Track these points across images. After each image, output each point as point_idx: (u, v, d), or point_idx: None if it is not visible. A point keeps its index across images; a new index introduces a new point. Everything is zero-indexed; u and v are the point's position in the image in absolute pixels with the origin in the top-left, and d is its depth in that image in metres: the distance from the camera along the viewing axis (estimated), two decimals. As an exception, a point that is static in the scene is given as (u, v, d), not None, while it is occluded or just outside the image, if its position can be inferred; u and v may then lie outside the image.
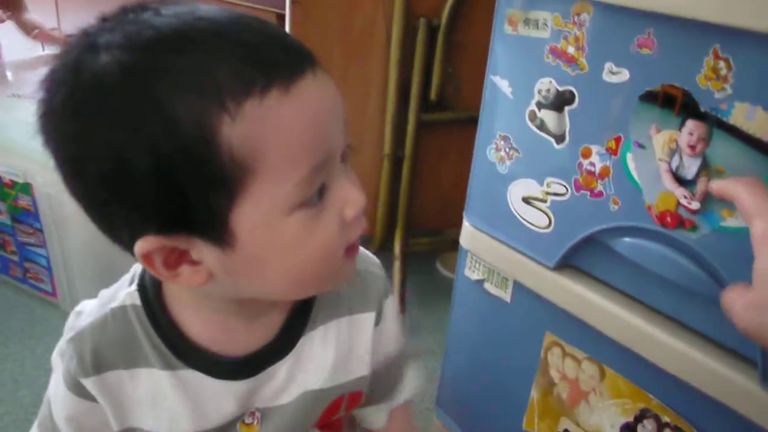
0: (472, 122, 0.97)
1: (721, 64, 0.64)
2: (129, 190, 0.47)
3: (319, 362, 0.66)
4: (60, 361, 0.61)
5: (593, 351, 0.88)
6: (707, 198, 0.69)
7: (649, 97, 0.71)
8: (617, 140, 0.75)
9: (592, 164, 0.78)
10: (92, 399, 0.60)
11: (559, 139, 0.81)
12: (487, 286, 1.01)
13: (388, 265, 1.63)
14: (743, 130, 0.64)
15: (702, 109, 0.67)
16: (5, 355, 1.48)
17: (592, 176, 0.79)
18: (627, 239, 0.78)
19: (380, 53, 1.45)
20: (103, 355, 0.59)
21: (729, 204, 0.67)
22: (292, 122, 0.48)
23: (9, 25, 2.02)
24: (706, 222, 0.70)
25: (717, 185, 0.58)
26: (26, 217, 1.57)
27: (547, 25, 0.79)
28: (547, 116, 0.82)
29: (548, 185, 0.85)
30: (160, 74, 0.45)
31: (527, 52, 0.83)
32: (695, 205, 0.70)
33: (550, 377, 0.95)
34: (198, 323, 0.61)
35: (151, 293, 0.61)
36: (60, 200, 1.46)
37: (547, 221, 0.87)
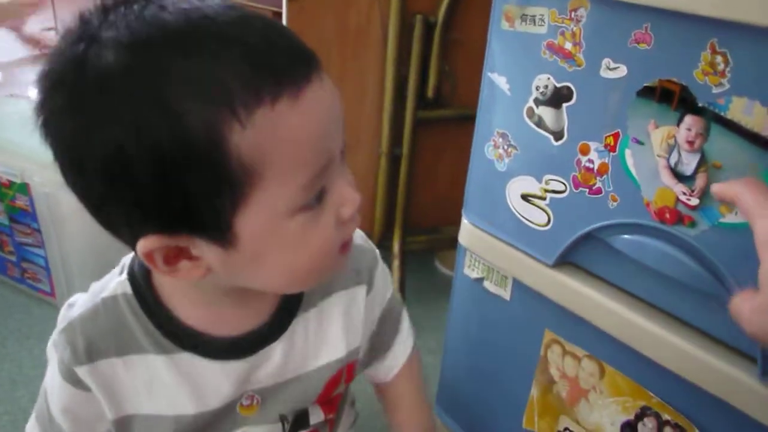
0: (470, 119, 0.97)
1: (719, 58, 0.64)
2: (131, 191, 0.47)
3: (315, 341, 0.68)
4: (54, 352, 0.62)
5: (593, 348, 0.88)
6: (706, 194, 0.69)
7: (646, 93, 0.71)
8: (615, 136, 0.75)
9: (591, 161, 0.78)
10: (86, 389, 0.61)
11: (558, 135, 0.81)
12: (486, 284, 1.01)
13: (386, 264, 1.62)
14: (741, 124, 0.64)
15: (700, 104, 0.66)
16: (3, 355, 1.48)
17: (590, 173, 0.79)
18: (626, 236, 0.78)
19: (377, 50, 1.45)
20: (95, 343, 0.60)
21: (721, 201, 0.67)
22: (299, 130, 0.48)
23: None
24: (705, 218, 0.70)
25: (718, 187, 0.57)
26: (24, 217, 1.56)
27: (543, 21, 0.79)
28: (545, 113, 0.82)
29: (547, 182, 0.84)
30: (167, 78, 0.45)
31: (524, 49, 0.82)
32: (694, 201, 0.70)
33: (549, 375, 0.95)
34: (190, 307, 0.61)
35: (141, 281, 0.62)
36: (58, 200, 1.46)
37: (546, 219, 0.86)
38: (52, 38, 1.95)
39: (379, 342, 0.77)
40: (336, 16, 1.38)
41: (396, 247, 1.62)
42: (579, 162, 0.79)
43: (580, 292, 0.85)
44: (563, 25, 0.77)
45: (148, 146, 0.45)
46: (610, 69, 0.73)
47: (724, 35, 0.63)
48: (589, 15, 0.74)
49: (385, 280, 0.77)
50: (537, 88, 0.82)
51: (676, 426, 0.79)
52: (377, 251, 0.75)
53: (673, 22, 0.67)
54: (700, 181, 0.69)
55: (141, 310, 0.61)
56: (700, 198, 0.69)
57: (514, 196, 0.90)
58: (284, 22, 1.33)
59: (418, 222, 1.67)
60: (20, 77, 2.02)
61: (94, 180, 0.48)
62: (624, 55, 0.72)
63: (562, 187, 0.83)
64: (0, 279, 1.74)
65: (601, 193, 0.78)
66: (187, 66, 0.45)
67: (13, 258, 1.66)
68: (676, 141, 0.69)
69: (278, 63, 0.47)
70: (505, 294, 0.98)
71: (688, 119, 0.68)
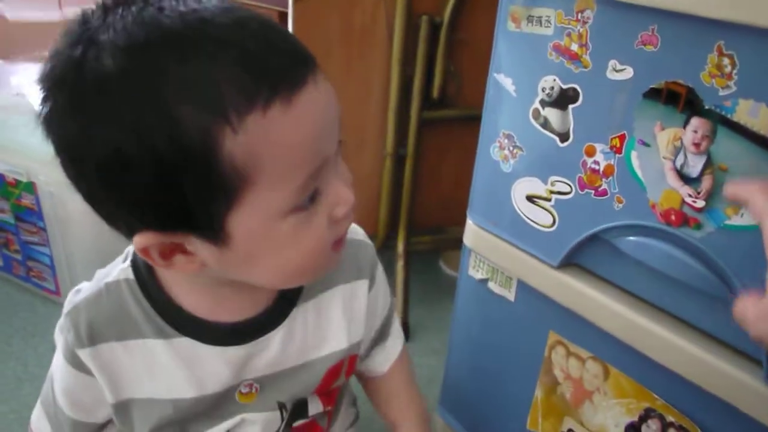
0: (475, 120, 0.97)
1: (726, 60, 0.64)
2: (128, 190, 0.49)
3: (315, 332, 0.69)
4: (59, 335, 0.64)
5: (597, 350, 0.88)
6: (712, 196, 0.68)
7: (653, 95, 0.71)
8: (621, 138, 0.75)
9: (597, 162, 0.78)
10: (88, 372, 0.63)
11: (563, 137, 0.81)
12: (490, 285, 1.01)
13: (391, 264, 1.63)
14: (747, 127, 0.64)
15: (706, 107, 0.66)
16: (8, 353, 1.48)
17: (596, 174, 0.79)
18: (631, 238, 0.78)
19: (382, 51, 1.45)
20: (97, 327, 0.62)
21: (734, 202, 0.67)
22: (292, 135, 0.49)
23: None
24: (710, 220, 0.70)
25: (731, 188, 0.57)
26: (29, 215, 1.57)
27: (550, 22, 0.79)
28: (551, 114, 0.82)
29: (552, 184, 0.84)
30: (163, 81, 0.45)
31: (530, 50, 0.82)
32: (700, 203, 0.70)
33: (554, 376, 0.95)
34: (190, 294, 0.62)
35: (143, 268, 0.63)
36: (63, 199, 1.46)
37: (551, 220, 0.86)
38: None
39: (377, 334, 0.78)
40: (342, 17, 1.38)
41: (400, 247, 1.62)
42: (585, 163, 0.79)
43: (585, 293, 0.85)
44: (570, 26, 0.77)
45: (145, 148, 0.46)
46: (617, 70, 0.73)
47: (731, 37, 0.63)
48: (595, 16, 0.74)
49: (385, 278, 0.78)
50: (543, 90, 0.82)
51: (680, 428, 0.79)
52: (374, 249, 0.76)
53: (679, 24, 0.66)
54: (706, 184, 0.68)
55: (142, 296, 0.62)
56: (706, 200, 0.69)
57: (520, 197, 0.90)
58: (290, 22, 1.34)
59: (422, 222, 1.67)
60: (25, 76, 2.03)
61: (92, 177, 0.49)
62: (630, 56, 0.72)
63: (568, 189, 0.83)
64: (5, 277, 1.74)
65: (606, 194, 0.78)
66: (183, 70, 0.46)
67: (19, 257, 1.67)
68: (682, 143, 0.69)
69: (273, 67, 0.48)
70: (510, 295, 0.98)
71: (695, 121, 0.68)
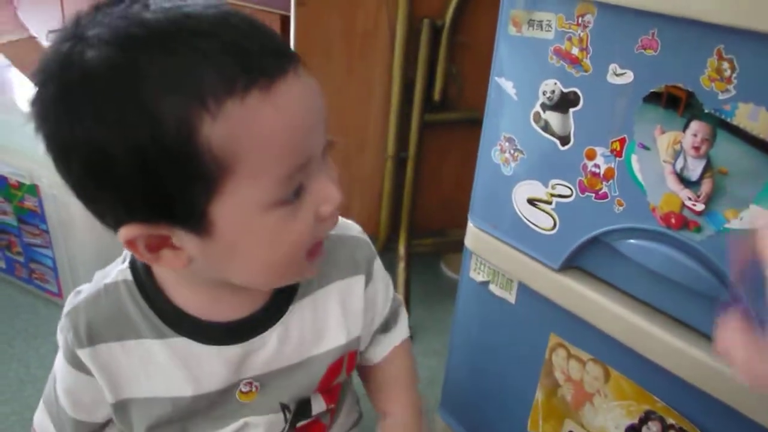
0: (476, 123, 0.97)
1: (725, 65, 0.64)
2: (111, 182, 0.49)
3: (313, 329, 0.69)
4: (60, 335, 0.65)
5: (598, 352, 0.88)
6: (712, 199, 0.69)
7: (653, 99, 0.71)
8: (622, 142, 0.75)
9: (597, 166, 0.78)
10: (88, 372, 0.63)
11: (564, 140, 0.81)
12: (491, 287, 1.01)
13: (392, 266, 1.63)
14: (747, 130, 0.64)
15: (706, 110, 0.67)
16: (10, 355, 1.48)
17: (596, 178, 0.79)
18: (632, 240, 0.78)
19: (384, 54, 1.45)
20: (96, 327, 0.62)
21: (733, 205, 0.67)
22: (271, 124, 0.49)
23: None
24: (710, 223, 0.70)
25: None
26: (32, 218, 1.57)
27: (551, 27, 0.79)
28: (552, 118, 0.82)
29: (553, 187, 0.85)
30: (144, 73, 0.46)
31: (531, 54, 0.83)
32: (700, 206, 0.70)
33: (554, 378, 0.95)
34: (187, 294, 0.63)
35: (141, 269, 0.64)
36: (66, 201, 1.46)
37: (552, 223, 0.87)
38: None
39: (380, 328, 0.79)
40: (344, 20, 1.38)
41: (402, 249, 1.63)
42: (585, 167, 0.80)
43: (586, 296, 0.85)
44: (570, 30, 0.77)
45: (125, 140, 0.47)
46: (617, 74, 0.74)
47: (731, 42, 0.63)
48: (596, 21, 0.74)
49: (384, 274, 0.77)
50: (544, 93, 0.82)
51: (680, 430, 0.80)
52: (372, 245, 0.76)
53: (679, 29, 0.67)
54: (705, 187, 0.69)
55: (140, 296, 0.63)
56: (706, 203, 0.69)
57: (521, 200, 0.90)
58: (292, 25, 1.34)
59: (423, 224, 1.67)
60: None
61: (77, 170, 0.50)
62: (631, 60, 0.72)
63: (569, 192, 0.83)
64: (8, 279, 1.75)
65: (607, 197, 0.79)
66: (164, 62, 0.47)
67: (21, 259, 1.67)
68: (682, 146, 0.70)
69: (251, 56, 0.49)
70: (511, 297, 0.99)
71: (694, 125, 0.68)
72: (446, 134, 1.58)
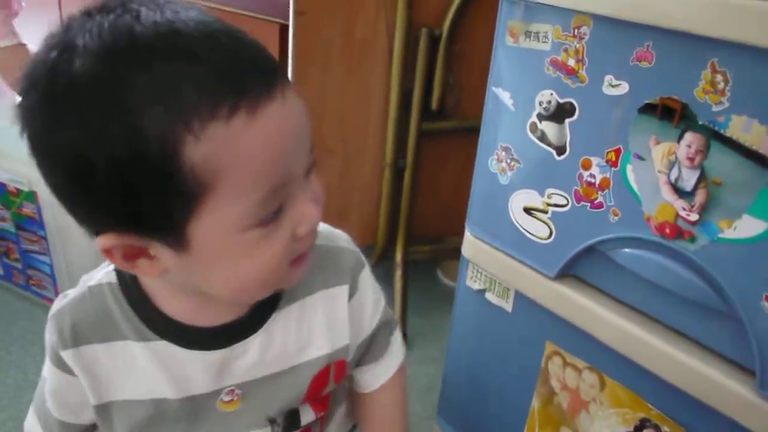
0: (473, 131, 0.98)
1: (719, 77, 0.65)
2: (91, 191, 0.49)
3: (296, 338, 0.68)
4: (46, 337, 0.65)
5: (594, 360, 0.89)
6: (706, 209, 0.70)
7: (648, 110, 0.72)
8: (617, 152, 0.76)
9: (593, 176, 0.79)
10: (72, 373, 0.63)
11: (560, 150, 0.82)
12: (488, 295, 1.02)
13: (389, 274, 1.64)
14: (740, 142, 0.65)
15: (700, 122, 0.68)
16: (8, 361, 1.49)
17: (592, 187, 0.80)
18: (627, 250, 0.79)
19: (382, 63, 1.46)
20: (80, 329, 0.62)
21: (727, 215, 0.68)
22: (255, 147, 0.49)
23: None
24: (704, 233, 0.71)
25: None
26: (30, 224, 1.58)
27: (547, 38, 0.80)
28: (548, 128, 0.83)
29: (549, 196, 0.86)
30: (128, 88, 0.46)
31: (528, 64, 0.84)
32: (694, 216, 0.71)
33: (550, 386, 0.95)
34: (171, 299, 0.63)
35: (126, 272, 0.63)
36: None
37: (548, 232, 0.87)
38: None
39: (371, 350, 0.78)
40: (342, 29, 1.39)
41: (399, 256, 1.63)
42: (581, 176, 0.81)
43: (582, 304, 0.86)
44: (567, 42, 0.78)
45: (106, 153, 0.47)
46: (612, 86, 0.74)
47: (724, 55, 0.64)
48: (592, 33, 0.75)
49: (374, 286, 0.76)
50: (540, 104, 0.83)
51: (675, 438, 0.80)
52: (362, 257, 0.75)
53: (674, 41, 0.68)
54: (699, 197, 0.70)
55: (124, 299, 0.63)
56: (700, 213, 0.70)
57: (517, 209, 0.91)
58: (291, 34, 1.35)
59: (421, 232, 1.68)
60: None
61: (59, 175, 0.50)
62: (626, 72, 0.73)
63: (564, 201, 0.84)
64: (5, 286, 1.75)
65: (602, 207, 0.79)
66: (149, 77, 0.46)
67: (19, 265, 1.67)
68: (676, 157, 0.71)
69: (238, 78, 0.48)
70: (507, 306, 0.99)
71: (689, 136, 0.69)
72: (444, 143, 1.58)
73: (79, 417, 0.67)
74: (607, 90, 0.75)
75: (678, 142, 0.70)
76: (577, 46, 0.77)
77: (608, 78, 0.75)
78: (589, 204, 0.81)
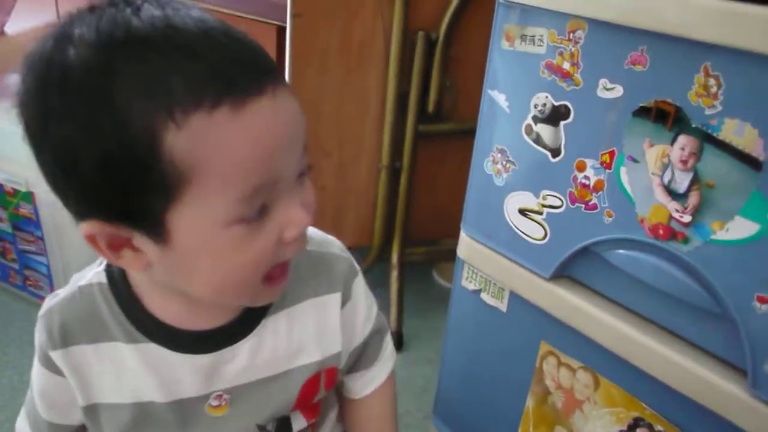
0: (469, 134, 0.99)
1: (712, 81, 0.66)
2: (75, 177, 0.50)
3: (286, 344, 0.68)
4: (35, 337, 0.65)
5: (588, 360, 0.89)
6: (699, 211, 0.71)
7: (642, 113, 0.73)
8: (611, 154, 0.77)
9: (587, 177, 0.80)
10: (60, 374, 0.63)
11: (555, 152, 0.83)
12: (483, 296, 1.02)
13: (385, 275, 1.64)
14: (733, 145, 0.66)
15: (693, 125, 0.69)
16: (4, 362, 1.49)
17: (586, 189, 0.81)
18: (621, 251, 0.80)
19: (379, 65, 1.47)
20: (69, 329, 0.62)
21: (719, 217, 0.69)
22: (238, 141, 0.49)
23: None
24: (697, 234, 0.72)
25: None
26: (27, 225, 1.58)
27: (543, 41, 0.81)
28: (543, 130, 0.84)
29: (544, 198, 0.86)
30: (117, 77, 0.47)
31: (524, 67, 0.84)
32: (687, 218, 0.72)
33: (545, 386, 0.96)
34: (160, 301, 0.62)
35: (117, 273, 0.63)
36: (61, 208, 1.47)
37: (543, 233, 0.88)
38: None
39: (363, 357, 0.77)
40: (340, 32, 1.40)
41: (395, 258, 1.64)
42: (575, 178, 0.81)
43: (576, 305, 0.87)
44: (562, 45, 0.79)
45: (92, 140, 0.47)
46: (607, 89, 0.75)
47: (717, 59, 0.65)
48: (587, 36, 0.76)
49: (367, 293, 0.75)
50: (535, 106, 0.84)
51: (668, 437, 0.81)
52: (355, 264, 0.74)
53: (668, 45, 0.69)
54: (692, 199, 0.71)
55: (114, 300, 0.63)
56: (693, 215, 0.71)
57: (512, 210, 0.92)
58: (288, 36, 1.35)
59: (417, 234, 1.69)
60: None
61: (48, 159, 0.51)
62: (620, 75, 0.74)
63: (559, 203, 0.85)
64: (2, 286, 1.75)
65: (596, 208, 0.80)
66: (138, 68, 0.47)
67: (16, 266, 1.68)
68: (670, 160, 0.71)
69: (228, 73, 0.49)
70: (502, 306, 1.00)
71: (682, 139, 0.70)
72: (440, 145, 1.59)
73: (67, 418, 0.67)
74: (601, 93, 0.76)
75: (672, 145, 0.71)
76: (572, 49, 0.78)
77: (603, 81, 0.76)
78: (583, 205, 0.82)
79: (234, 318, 0.65)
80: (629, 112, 0.74)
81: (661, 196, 0.73)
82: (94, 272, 0.64)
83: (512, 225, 0.92)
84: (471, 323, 1.08)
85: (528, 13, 0.82)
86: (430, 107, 1.53)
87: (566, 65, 0.79)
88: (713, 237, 0.70)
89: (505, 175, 0.91)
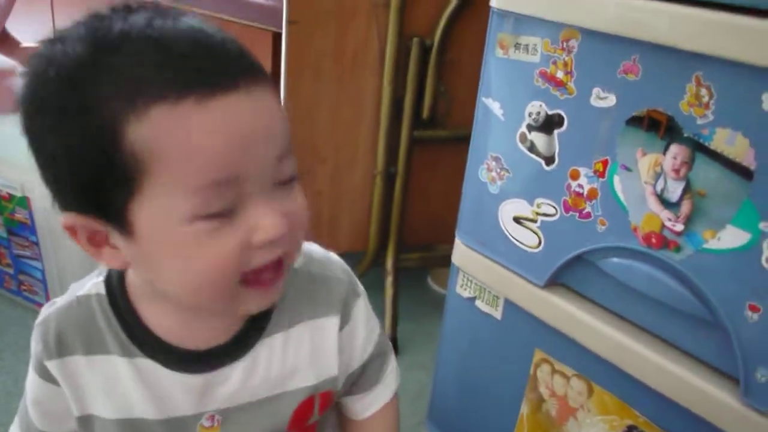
0: (464, 140, 0.99)
1: (703, 91, 0.66)
2: (51, 169, 0.52)
3: (281, 367, 0.67)
4: (31, 345, 0.64)
5: (581, 368, 0.90)
6: (691, 220, 0.71)
7: (635, 122, 0.73)
8: (605, 163, 0.77)
9: (581, 186, 0.80)
10: (55, 383, 0.63)
11: (549, 160, 0.84)
12: (478, 303, 1.02)
13: (380, 281, 1.65)
14: (724, 155, 0.67)
15: (685, 134, 0.69)
16: (-1, 368, 1.49)
17: (580, 197, 0.81)
18: (614, 259, 0.80)
19: (374, 72, 1.47)
20: (65, 339, 0.62)
21: (711, 226, 0.70)
22: (200, 135, 0.48)
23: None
24: (689, 243, 0.72)
25: None
26: (22, 230, 1.58)
27: (537, 50, 0.82)
28: (537, 138, 0.84)
29: (538, 206, 0.87)
30: (91, 69, 0.48)
31: (518, 76, 0.85)
32: (679, 226, 0.72)
33: (539, 393, 0.96)
34: (158, 315, 0.62)
35: (116, 285, 0.63)
36: (57, 213, 1.47)
37: (537, 241, 0.88)
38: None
39: (362, 380, 0.76)
40: (335, 38, 1.40)
41: (389, 264, 1.64)
42: (569, 186, 0.82)
43: (570, 312, 0.87)
44: (555, 54, 0.79)
45: (64, 130, 0.49)
46: (600, 98, 0.76)
47: (709, 69, 0.66)
48: (580, 46, 0.77)
49: (369, 316, 0.74)
50: (530, 114, 0.84)
51: (661, 444, 0.81)
52: (360, 288, 0.73)
53: (660, 55, 0.69)
54: (685, 208, 0.71)
55: (111, 312, 0.62)
56: (685, 224, 0.71)
57: (507, 218, 0.92)
58: (284, 42, 1.36)
59: (411, 240, 1.69)
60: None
61: (32, 151, 0.53)
62: (613, 84, 0.74)
63: (553, 211, 0.85)
64: (-4, 291, 1.75)
65: (590, 217, 0.81)
66: (110, 61, 0.48)
67: (11, 271, 1.67)
68: (662, 168, 0.72)
69: (196, 67, 0.49)
70: (497, 313, 1.00)
71: (674, 148, 0.70)
72: (434, 151, 1.60)
73: (61, 427, 0.66)
74: (595, 102, 0.76)
75: (664, 154, 0.71)
76: (566, 58, 0.78)
77: (596, 90, 0.76)
78: (577, 214, 0.82)
79: (230, 338, 0.64)
80: (622, 121, 0.74)
81: (653, 204, 0.74)
82: (93, 283, 0.64)
83: (507, 233, 0.93)
84: (465, 330, 1.09)
85: (522, 22, 0.82)
86: (425, 113, 1.53)
87: (560, 74, 0.79)
88: (705, 246, 0.71)
89: (499, 183, 0.92)
